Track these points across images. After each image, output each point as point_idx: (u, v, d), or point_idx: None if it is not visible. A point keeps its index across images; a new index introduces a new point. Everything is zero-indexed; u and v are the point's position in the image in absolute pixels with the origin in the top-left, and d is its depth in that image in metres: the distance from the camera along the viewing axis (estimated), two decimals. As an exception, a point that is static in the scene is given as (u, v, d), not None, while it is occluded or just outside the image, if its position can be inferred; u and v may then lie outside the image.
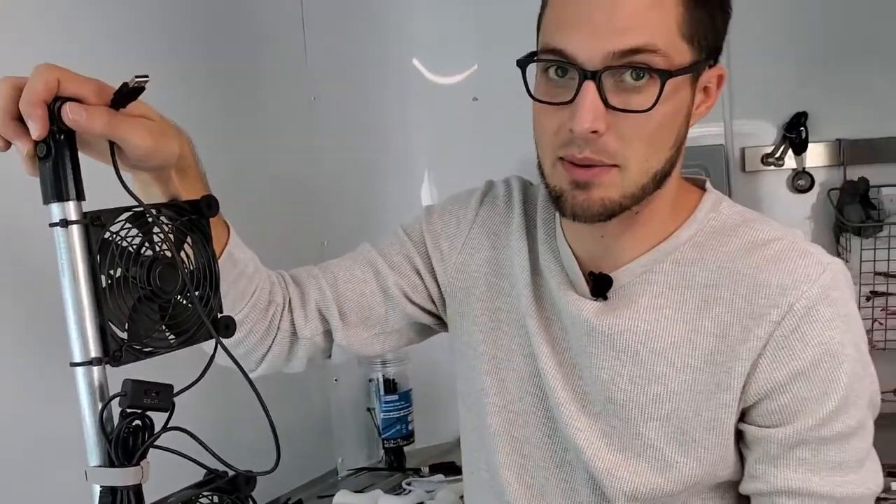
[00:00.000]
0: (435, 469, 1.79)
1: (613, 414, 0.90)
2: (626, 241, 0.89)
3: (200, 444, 0.68)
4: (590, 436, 0.91)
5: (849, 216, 1.90)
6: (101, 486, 0.66)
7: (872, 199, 1.92)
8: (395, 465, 1.87)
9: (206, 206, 0.76)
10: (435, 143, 2.01)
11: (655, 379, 0.87)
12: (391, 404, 1.87)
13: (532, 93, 0.84)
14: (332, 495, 1.64)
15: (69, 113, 0.65)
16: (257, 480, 0.72)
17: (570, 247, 0.94)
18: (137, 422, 0.66)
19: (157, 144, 0.73)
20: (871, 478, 0.87)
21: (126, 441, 0.65)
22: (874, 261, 1.93)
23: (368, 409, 1.90)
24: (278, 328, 1.00)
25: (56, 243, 0.65)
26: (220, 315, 0.76)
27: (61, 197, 0.65)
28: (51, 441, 1.10)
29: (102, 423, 0.65)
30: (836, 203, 1.94)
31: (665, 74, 0.78)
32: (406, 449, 1.89)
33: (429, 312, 1.07)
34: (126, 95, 0.68)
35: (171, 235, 0.72)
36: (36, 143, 0.66)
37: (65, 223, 0.65)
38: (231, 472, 0.72)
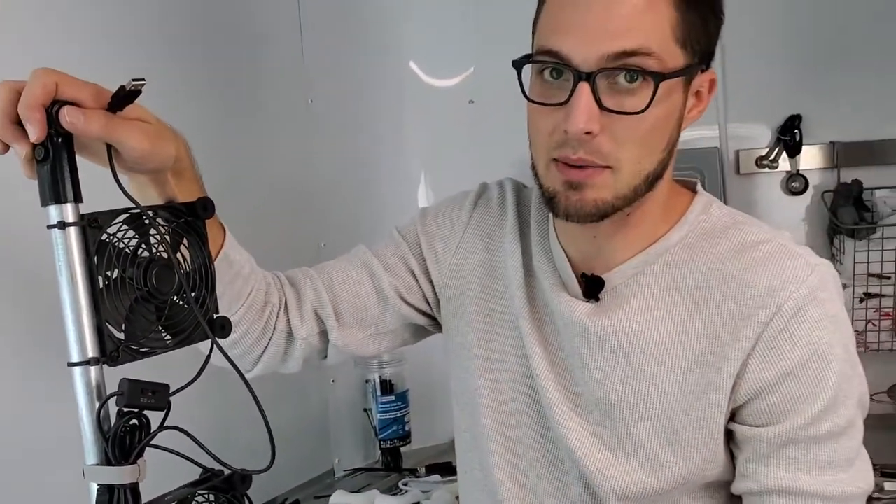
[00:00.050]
0: (431, 469, 1.80)
1: (605, 414, 0.90)
2: (618, 242, 0.90)
3: (196, 443, 0.68)
4: (581, 435, 0.92)
5: (842, 218, 1.91)
6: (98, 485, 0.66)
7: (866, 201, 1.93)
8: (391, 465, 1.87)
9: (202, 208, 0.77)
10: (431, 145, 2.02)
11: (646, 379, 0.88)
12: (388, 405, 1.88)
13: (527, 94, 0.85)
14: (329, 496, 1.64)
15: (67, 116, 0.66)
16: (253, 479, 0.73)
17: (562, 249, 0.95)
18: (134, 421, 0.66)
19: (154, 147, 0.73)
20: (862, 477, 0.87)
21: (123, 440, 0.66)
22: (868, 262, 1.94)
23: (365, 410, 1.91)
24: (274, 329, 1.00)
25: (54, 245, 0.66)
26: (216, 316, 0.76)
27: (59, 199, 0.66)
28: (48, 440, 1.11)
29: (100, 422, 0.66)
30: (830, 205, 1.95)
31: (658, 77, 0.79)
32: (402, 449, 1.90)
33: (423, 313, 1.08)
34: (123, 99, 0.69)
35: (167, 237, 0.72)
36: (34, 146, 0.66)
37: (62, 225, 0.66)
38: (227, 471, 0.72)
